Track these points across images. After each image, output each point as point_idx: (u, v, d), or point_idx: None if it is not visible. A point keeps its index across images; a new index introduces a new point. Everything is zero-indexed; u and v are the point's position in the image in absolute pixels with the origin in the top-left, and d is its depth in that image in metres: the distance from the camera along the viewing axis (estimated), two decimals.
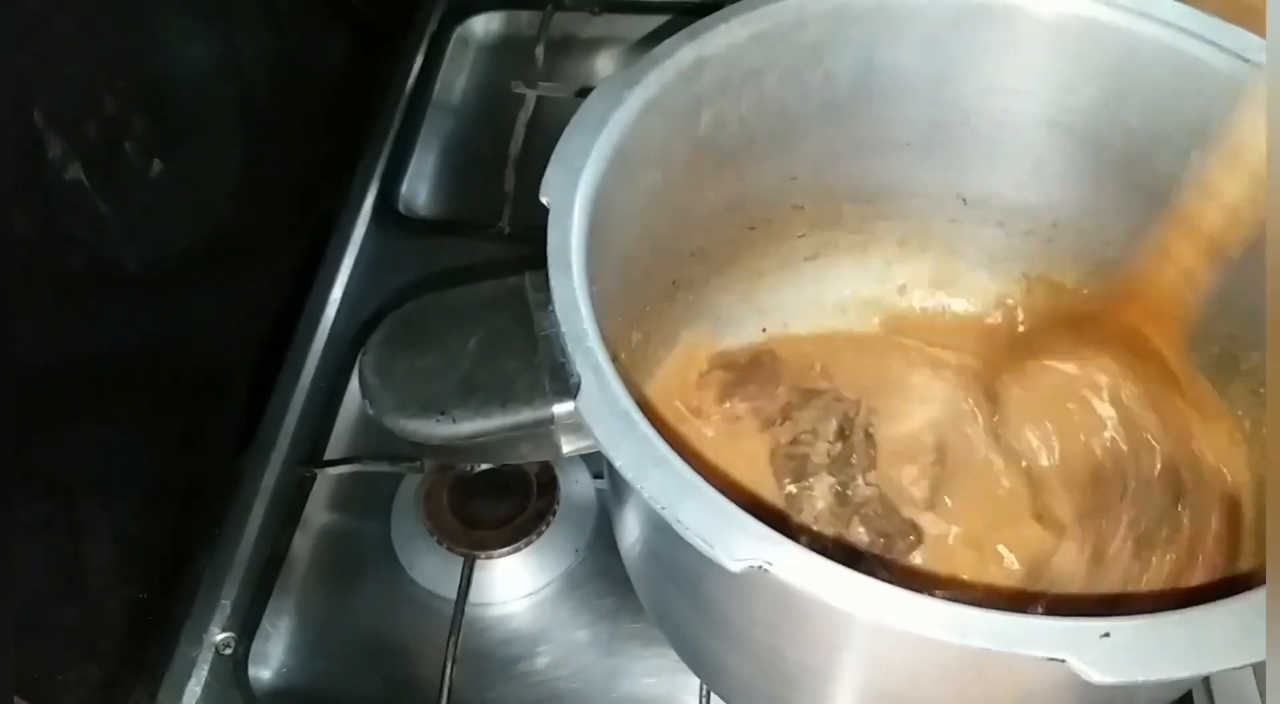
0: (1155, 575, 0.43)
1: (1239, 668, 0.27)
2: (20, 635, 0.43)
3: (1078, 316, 0.49)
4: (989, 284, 0.53)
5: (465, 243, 0.66)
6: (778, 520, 0.45)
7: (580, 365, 0.33)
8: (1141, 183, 0.45)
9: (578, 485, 0.56)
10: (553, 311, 0.34)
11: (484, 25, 0.80)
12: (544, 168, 0.37)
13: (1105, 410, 0.46)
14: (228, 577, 0.55)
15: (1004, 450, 0.48)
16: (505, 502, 0.55)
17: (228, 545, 0.56)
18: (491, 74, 0.79)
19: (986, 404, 0.50)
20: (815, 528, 0.46)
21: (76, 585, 0.47)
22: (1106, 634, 0.27)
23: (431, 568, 0.54)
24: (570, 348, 0.33)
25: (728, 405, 0.50)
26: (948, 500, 0.48)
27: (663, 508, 0.30)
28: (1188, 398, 0.45)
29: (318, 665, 0.53)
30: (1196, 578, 0.42)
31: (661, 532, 0.31)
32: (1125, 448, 0.46)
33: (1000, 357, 0.51)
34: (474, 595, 0.53)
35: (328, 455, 0.59)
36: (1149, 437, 0.45)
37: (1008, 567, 0.46)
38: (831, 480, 0.47)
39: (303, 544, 0.56)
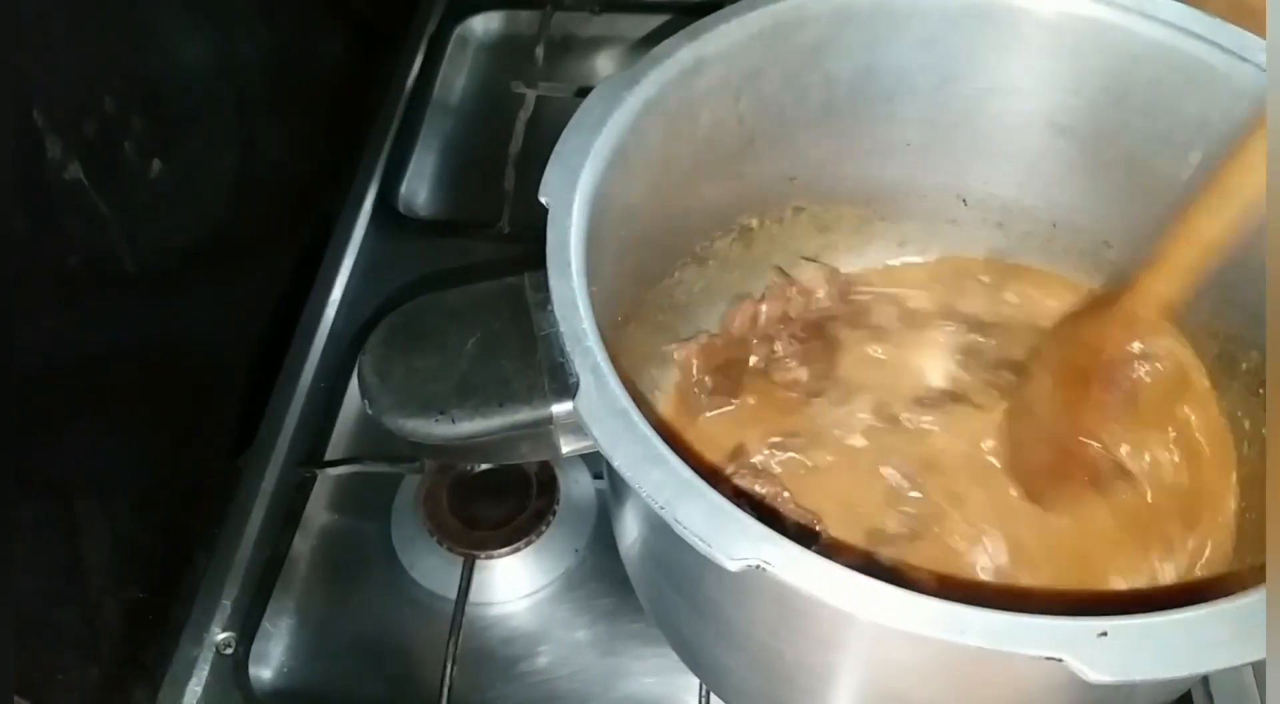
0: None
1: (1237, 667, 0.27)
2: (20, 635, 0.43)
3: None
4: None
5: (465, 243, 0.66)
6: None
7: (579, 365, 0.33)
8: (1141, 183, 0.45)
9: (578, 485, 0.56)
10: (551, 311, 0.34)
11: (484, 25, 0.80)
12: (543, 167, 0.37)
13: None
14: (228, 577, 0.55)
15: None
16: (505, 502, 0.55)
17: (228, 545, 0.56)
18: (491, 74, 0.79)
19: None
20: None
21: (76, 586, 0.47)
22: (1104, 633, 0.27)
23: (431, 568, 0.54)
24: (569, 347, 0.33)
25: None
26: None
27: (661, 507, 0.30)
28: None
29: (318, 665, 0.53)
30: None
31: (660, 531, 0.31)
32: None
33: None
34: (474, 595, 0.53)
35: (328, 456, 0.59)
36: None
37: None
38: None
39: (303, 544, 0.56)
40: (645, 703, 0.51)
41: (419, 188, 0.72)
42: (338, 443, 0.60)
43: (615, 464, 0.31)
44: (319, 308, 0.65)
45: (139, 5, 0.50)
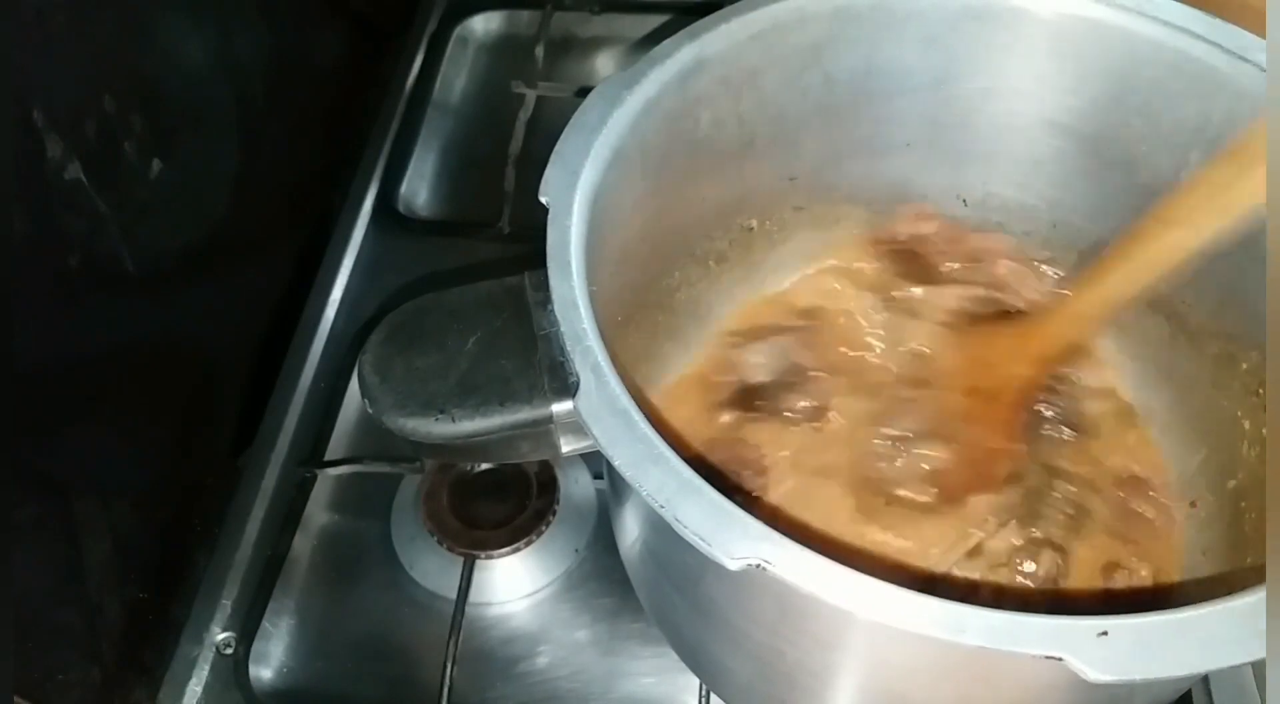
0: None
1: (1237, 667, 0.27)
2: (20, 635, 0.43)
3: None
4: None
5: (465, 243, 0.66)
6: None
7: (579, 364, 0.33)
8: (1141, 183, 0.45)
9: (578, 485, 0.56)
10: (552, 311, 0.34)
11: (484, 25, 0.80)
12: (543, 167, 0.38)
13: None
14: (228, 577, 0.55)
15: None
16: (505, 502, 0.55)
17: (228, 545, 0.56)
18: (491, 74, 0.79)
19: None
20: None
21: (76, 586, 0.47)
22: (1104, 633, 0.27)
23: (432, 568, 0.54)
24: (569, 347, 0.33)
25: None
26: None
27: (661, 507, 0.30)
28: None
29: (318, 665, 0.53)
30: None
31: (661, 531, 0.31)
32: None
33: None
34: (474, 595, 0.53)
35: (328, 456, 0.59)
36: None
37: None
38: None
39: (303, 544, 0.56)
40: (645, 703, 0.51)
41: (419, 188, 0.72)
42: (338, 443, 0.60)
43: (615, 464, 0.31)
44: (319, 308, 0.65)
45: (139, 5, 0.50)
